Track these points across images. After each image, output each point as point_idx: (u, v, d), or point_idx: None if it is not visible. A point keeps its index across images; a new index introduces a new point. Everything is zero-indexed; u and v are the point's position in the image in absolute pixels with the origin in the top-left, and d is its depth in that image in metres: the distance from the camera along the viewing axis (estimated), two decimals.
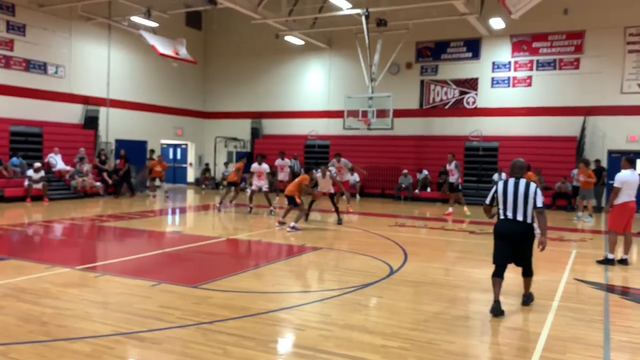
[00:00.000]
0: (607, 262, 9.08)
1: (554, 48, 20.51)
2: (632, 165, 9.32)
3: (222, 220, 14.90)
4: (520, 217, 6.09)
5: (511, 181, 6.21)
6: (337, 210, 13.97)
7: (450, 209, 16.17)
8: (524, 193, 6.08)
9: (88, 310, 5.72)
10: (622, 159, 9.72)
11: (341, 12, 19.36)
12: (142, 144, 24.06)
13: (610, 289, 7.50)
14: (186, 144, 27.80)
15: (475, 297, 7.03)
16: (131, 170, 20.48)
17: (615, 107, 19.51)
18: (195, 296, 6.38)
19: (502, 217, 6.23)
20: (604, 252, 10.04)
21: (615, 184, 9.07)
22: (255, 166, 15.91)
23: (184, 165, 28.09)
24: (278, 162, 19.58)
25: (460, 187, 16.34)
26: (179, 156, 28.28)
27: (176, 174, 27.81)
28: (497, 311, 5.96)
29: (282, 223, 12.77)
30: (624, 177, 9.04)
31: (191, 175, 27.85)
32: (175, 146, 28.05)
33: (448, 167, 16.37)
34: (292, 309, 6.00)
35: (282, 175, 19.55)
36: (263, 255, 9.89)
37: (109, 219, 13.61)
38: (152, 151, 22.41)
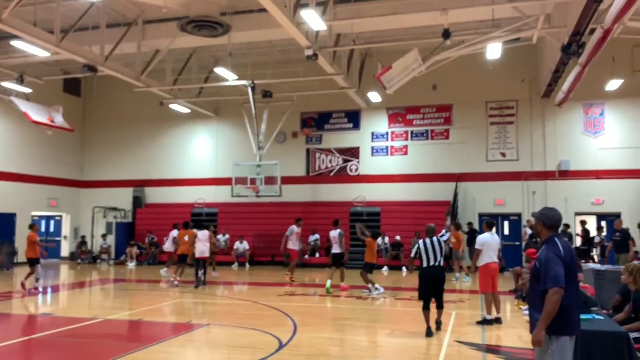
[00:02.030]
0: (485, 322, 9.58)
1: (426, 120, 22.22)
2: (491, 228, 10.12)
3: (100, 299, 13.86)
4: (437, 264, 8.73)
5: (428, 240, 8.87)
6: (204, 275, 15.00)
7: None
8: (438, 247, 8.80)
9: None
10: (483, 223, 10.53)
11: (227, 83, 19.65)
12: (10, 217, 22.10)
13: (488, 349, 7.88)
14: (60, 216, 25.95)
15: None
16: None
17: (482, 174, 21.31)
18: None
19: (425, 265, 8.77)
20: (481, 312, 10.63)
21: (477, 246, 9.77)
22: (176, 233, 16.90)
23: (57, 239, 26.06)
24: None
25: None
26: (52, 229, 26.25)
27: (49, 248, 25.64)
28: (429, 334, 8.48)
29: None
30: (484, 239, 9.76)
31: (66, 249, 25.84)
32: (48, 218, 26.07)
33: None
34: None
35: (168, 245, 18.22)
36: (144, 336, 9.25)
37: None
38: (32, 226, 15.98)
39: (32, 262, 14.00)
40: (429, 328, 8.52)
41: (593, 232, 18.78)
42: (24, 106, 18.59)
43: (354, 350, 8.16)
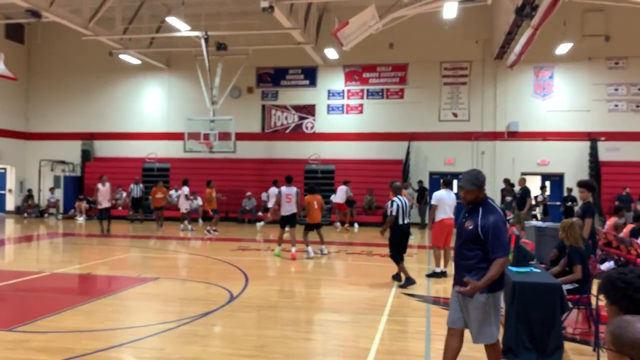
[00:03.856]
0: (434, 275, 9.94)
1: (382, 79, 22.27)
2: (449, 186, 10.38)
3: (48, 252, 13.58)
4: (409, 220, 9.39)
5: (402, 198, 9.32)
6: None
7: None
8: (408, 205, 9.46)
9: None
10: (441, 181, 10.78)
11: (180, 34, 19.04)
12: None
13: (434, 300, 8.20)
14: (4, 168, 24.96)
15: (314, 317, 7.25)
16: None
17: (434, 134, 21.67)
18: (10, 340, 5.70)
19: (401, 222, 9.15)
20: (427, 266, 11.02)
21: (432, 202, 10.06)
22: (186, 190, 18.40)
23: (2, 192, 25.15)
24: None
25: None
26: None
27: None
28: (414, 282, 9.11)
29: None
30: (439, 195, 10.02)
31: (11, 202, 25.00)
32: None
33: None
34: (122, 347, 5.64)
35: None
36: (92, 289, 9.18)
37: None
38: None
39: None
40: (410, 278, 9.11)
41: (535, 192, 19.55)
42: None
43: (304, 301, 8.36)
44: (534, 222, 12.10)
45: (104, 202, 16.64)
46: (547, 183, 20.74)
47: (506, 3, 16.01)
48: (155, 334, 6.08)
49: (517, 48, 16.93)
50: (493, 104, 21.35)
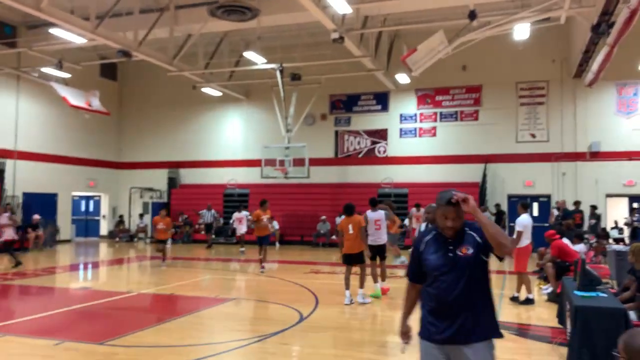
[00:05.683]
0: (527, 302, 9.59)
1: (455, 101, 22.16)
2: (527, 210, 10.18)
3: (136, 274, 14.59)
4: None
5: None
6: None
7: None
8: None
9: None
10: (518, 204, 10.52)
11: (257, 67, 20.00)
12: (51, 197, 23.18)
13: (519, 328, 7.99)
14: (99, 196, 27.01)
15: (382, 339, 7.40)
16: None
17: (511, 155, 21.19)
18: (101, 353, 6.32)
19: None
20: (501, 291, 10.83)
21: (519, 228, 9.65)
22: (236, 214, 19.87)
23: (96, 218, 27.18)
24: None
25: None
26: (91, 208, 27.37)
27: (88, 227, 26.84)
28: None
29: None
30: (526, 221, 9.75)
31: (104, 227, 26.95)
32: (87, 198, 27.17)
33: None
34: None
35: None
36: (173, 308, 9.82)
37: (14, 277, 12.98)
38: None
39: None
40: None
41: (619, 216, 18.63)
42: (63, 91, 19.34)
43: (373, 324, 8.53)
44: (614, 246, 11.60)
45: (5, 234, 14.82)
46: (635, 204, 19.61)
47: (581, 21, 15.60)
48: (229, 351, 6.50)
49: (595, 66, 16.33)
50: (573, 123, 20.62)
